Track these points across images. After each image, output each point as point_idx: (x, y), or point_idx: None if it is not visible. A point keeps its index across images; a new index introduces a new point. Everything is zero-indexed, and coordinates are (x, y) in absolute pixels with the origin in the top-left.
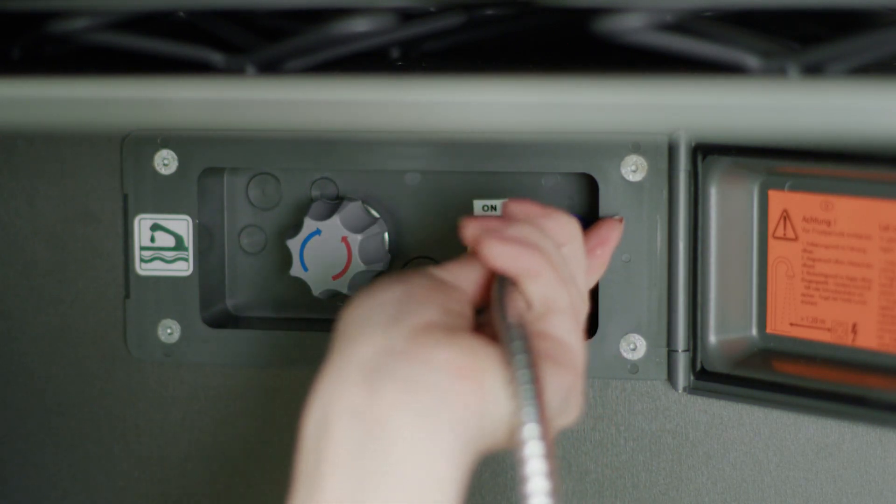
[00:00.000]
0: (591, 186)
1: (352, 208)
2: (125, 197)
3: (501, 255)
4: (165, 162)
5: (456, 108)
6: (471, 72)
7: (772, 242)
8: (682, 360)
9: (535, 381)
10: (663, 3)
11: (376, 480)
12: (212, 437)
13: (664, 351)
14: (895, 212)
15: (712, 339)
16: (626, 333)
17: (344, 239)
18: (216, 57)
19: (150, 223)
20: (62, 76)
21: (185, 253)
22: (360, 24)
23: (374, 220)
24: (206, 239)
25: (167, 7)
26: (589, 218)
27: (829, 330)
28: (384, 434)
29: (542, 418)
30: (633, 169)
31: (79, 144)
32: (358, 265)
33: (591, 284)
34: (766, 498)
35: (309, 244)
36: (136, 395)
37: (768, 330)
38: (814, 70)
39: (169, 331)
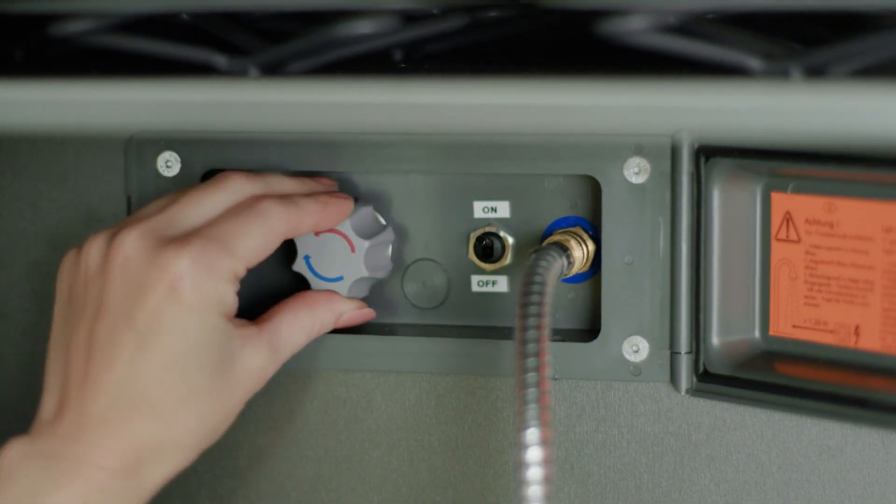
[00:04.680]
0: (593, 188)
1: (364, 213)
2: (128, 199)
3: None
4: (168, 164)
5: (458, 109)
6: (473, 74)
7: (774, 244)
8: (684, 362)
9: (541, 384)
10: (666, 5)
11: None
12: None
13: (667, 353)
14: None
15: (715, 341)
16: (629, 335)
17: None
18: (219, 59)
19: None
20: (65, 78)
21: None
22: (362, 26)
23: (384, 227)
24: None
25: (170, 9)
26: (592, 220)
27: (831, 332)
28: None
29: (544, 422)
30: (636, 171)
31: (82, 146)
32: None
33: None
34: (768, 500)
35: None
36: None
37: (771, 332)
38: (816, 72)
39: None
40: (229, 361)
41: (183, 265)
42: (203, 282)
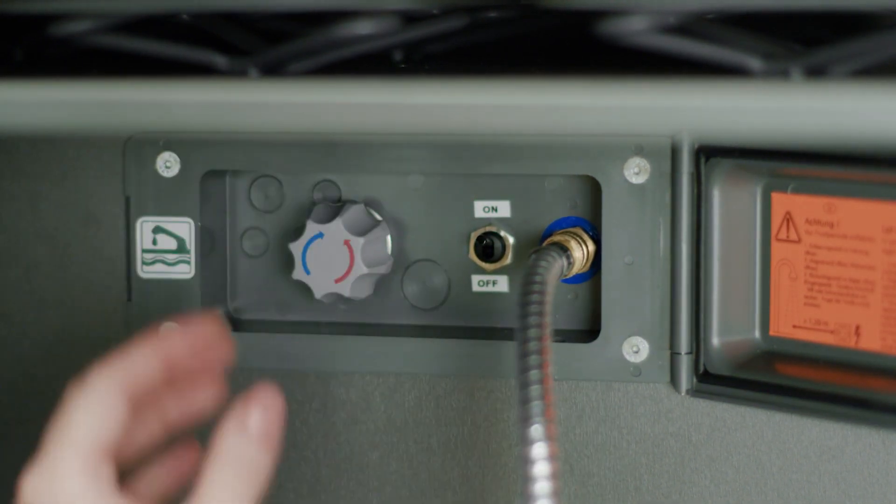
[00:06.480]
0: (593, 188)
1: (354, 211)
2: (127, 199)
3: None
4: (167, 164)
5: (459, 110)
6: (474, 74)
7: (775, 245)
8: (685, 363)
9: (544, 382)
10: (666, 5)
11: None
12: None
13: (667, 353)
14: None
15: (715, 341)
16: (629, 336)
17: (346, 242)
18: (219, 59)
19: (151, 226)
20: (65, 79)
21: (187, 255)
22: (362, 27)
23: (377, 222)
24: (208, 242)
25: (170, 9)
26: (592, 220)
27: (832, 332)
28: None
29: (548, 418)
30: (636, 171)
31: (81, 147)
32: (361, 268)
33: None
34: (768, 501)
35: (311, 247)
36: None
37: (771, 332)
38: (817, 72)
39: None
40: None
41: (27, 491)
42: (53, 491)
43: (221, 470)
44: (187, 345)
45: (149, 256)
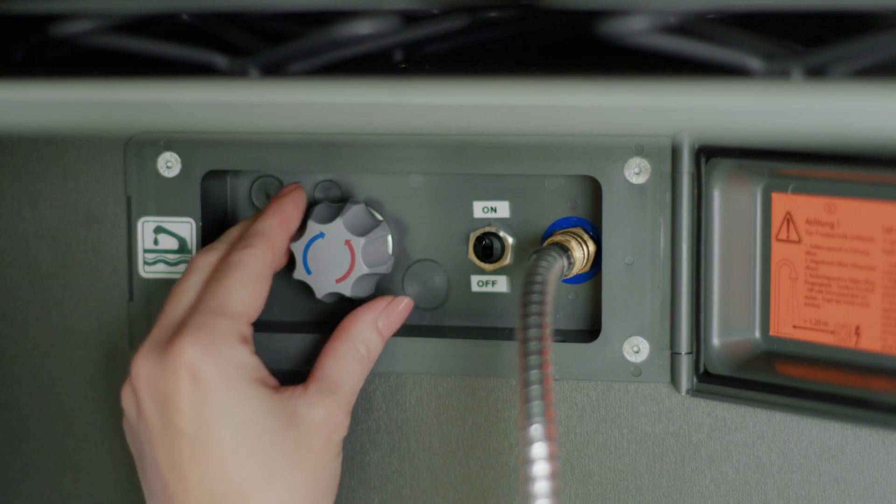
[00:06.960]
0: (594, 189)
1: (355, 211)
2: (128, 199)
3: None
4: (168, 164)
5: (459, 110)
6: (474, 74)
7: (775, 245)
8: (685, 363)
9: (544, 381)
10: (666, 5)
11: None
12: None
13: (667, 353)
14: None
15: (715, 341)
16: (630, 336)
17: (347, 242)
18: (219, 59)
19: (153, 226)
20: (65, 79)
21: (189, 256)
22: (363, 27)
23: (378, 222)
24: (210, 242)
25: (170, 9)
26: (592, 221)
27: (832, 332)
28: None
29: (548, 419)
30: (637, 171)
31: (82, 147)
32: (361, 268)
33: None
34: (769, 500)
35: (312, 247)
36: None
37: (771, 332)
38: (817, 72)
39: None
40: (288, 424)
41: (189, 351)
42: (215, 355)
43: (347, 346)
44: (298, 217)
45: (150, 256)
